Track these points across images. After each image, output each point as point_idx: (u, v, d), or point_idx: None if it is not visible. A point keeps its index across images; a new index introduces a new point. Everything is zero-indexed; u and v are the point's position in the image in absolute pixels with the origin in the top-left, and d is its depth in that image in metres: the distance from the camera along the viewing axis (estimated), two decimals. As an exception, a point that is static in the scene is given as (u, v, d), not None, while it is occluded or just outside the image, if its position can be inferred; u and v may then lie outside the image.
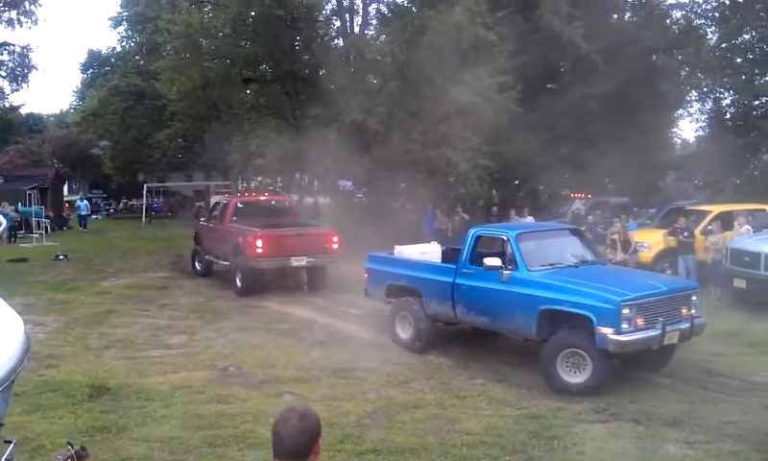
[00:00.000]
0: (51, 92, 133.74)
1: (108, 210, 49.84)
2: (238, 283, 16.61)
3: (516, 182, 27.13)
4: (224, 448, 7.08)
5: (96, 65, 56.08)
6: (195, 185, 51.36)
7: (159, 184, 49.28)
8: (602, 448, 7.07)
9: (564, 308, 9.15)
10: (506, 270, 9.84)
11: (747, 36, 27.24)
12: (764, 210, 17.44)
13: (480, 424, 7.80)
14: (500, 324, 10.24)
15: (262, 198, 21.84)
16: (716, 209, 17.68)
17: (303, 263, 16.56)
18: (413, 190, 23.72)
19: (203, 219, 21.47)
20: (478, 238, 10.84)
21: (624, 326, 8.59)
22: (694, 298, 9.63)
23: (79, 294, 16.59)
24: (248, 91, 34.60)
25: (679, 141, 38.46)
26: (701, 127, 34.14)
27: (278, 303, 15.38)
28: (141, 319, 13.82)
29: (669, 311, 9.06)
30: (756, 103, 26.87)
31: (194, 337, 12.28)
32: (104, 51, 56.07)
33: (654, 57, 27.49)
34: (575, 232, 11.93)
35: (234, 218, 18.16)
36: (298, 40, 28.36)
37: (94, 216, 45.94)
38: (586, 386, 8.85)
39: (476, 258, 10.50)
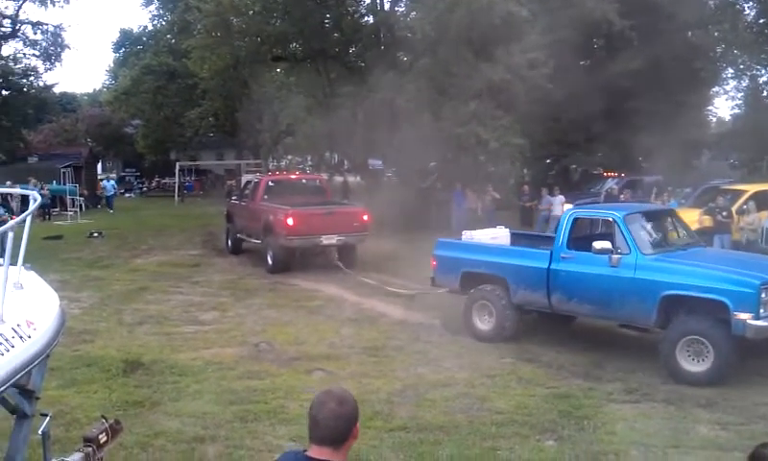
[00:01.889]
0: (84, 71, 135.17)
1: (141, 189, 50.36)
2: (269, 261, 16.72)
3: (548, 161, 26.90)
4: (255, 423, 7.16)
5: (128, 44, 56.44)
6: (226, 164, 51.65)
7: (191, 163, 49.64)
8: (633, 429, 7.03)
9: (694, 294, 8.51)
10: (616, 254, 9.17)
11: (785, 12, 26.61)
12: (801, 190, 17.08)
13: (510, 402, 7.79)
14: (609, 312, 9.52)
15: (293, 176, 21.89)
16: (752, 189, 17.36)
17: (334, 241, 16.61)
18: (443, 169, 23.64)
19: (234, 198, 21.60)
20: (576, 220, 10.15)
21: (762, 310, 8.07)
22: None
23: (113, 271, 16.83)
24: (278, 70, 34.65)
25: (714, 119, 37.82)
26: (737, 105, 33.61)
27: (308, 281, 15.45)
28: (174, 295, 14.00)
29: None
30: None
31: (226, 314, 12.41)
32: (135, 30, 56.46)
33: (689, 33, 26.99)
34: (671, 214, 11.32)
35: (266, 196, 18.24)
36: (327, 18, 28.26)
37: (128, 194, 46.48)
38: (708, 376, 8.30)
39: (574, 242, 9.88)
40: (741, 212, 15.66)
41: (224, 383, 8.46)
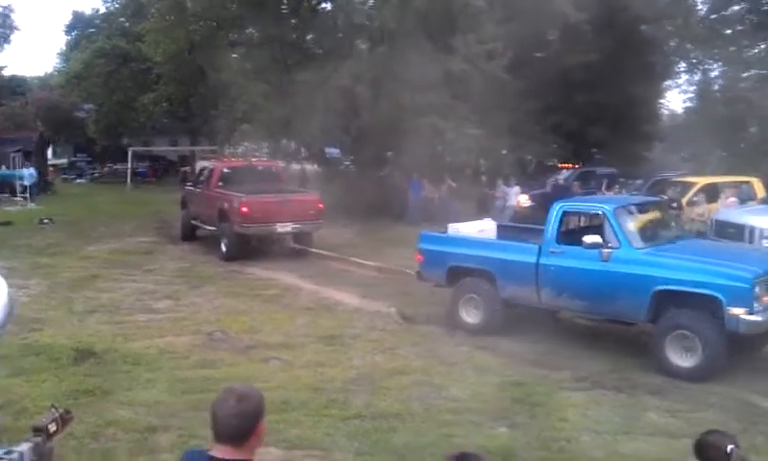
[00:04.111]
0: (35, 54, 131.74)
1: (92, 174, 49.38)
2: (223, 249, 16.59)
3: (504, 152, 27.12)
4: (209, 412, 7.08)
5: (80, 27, 55.18)
6: (181, 150, 50.92)
7: (144, 149, 48.85)
8: (584, 416, 7.15)
9: (686, 288, 8.42)
10: (607, 248, 9.01)
11: (736, 8, 27.23)
12: (750, 183, 17.54)
13: (465, 390, 7.86)
14: (600, 307, 9.34)
15: (248, 163, 21.72)
16: (702, 181, 17.79)
17: (289, 229, 16.64)
18: (400, 158, 23.67)
19: (189, 184, 21.35)
20: (565, 214, 9.99)
21: (756, 305, 7.99)
22: None
23: (63, 258, 16.49)
24: (234, 55, 34.25)
25: (666, 112, 38.51)
26: (689, 98, 34.29)
27: (264, 270, 15.36)
28: (126, 284, 13.77)
29: None
30: (745, 75, 26.91)
31: (180, 302, 12.26)
32: (88, 12, 55.26)
33: (643, 27, 27.43)
34: (660, 205, 11.31)
35: (220, 183, 18.08)
36: (285, 3, 28.01)
37: (79, 180, 45.52)
38: (696, 371, 8.23)
39: (563, 236, 9.76)
40: (691, 204, 16.02)
41: (177, 372, 8.37)
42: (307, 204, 17.11)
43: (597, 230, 9.41)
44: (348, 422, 6.92)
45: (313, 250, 17.15)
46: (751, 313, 8.00)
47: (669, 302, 8.61)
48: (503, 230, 11.72)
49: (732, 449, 2.83)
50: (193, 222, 19.09)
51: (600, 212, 9.58)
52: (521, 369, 8.72)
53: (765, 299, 8.13)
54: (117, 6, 48.83)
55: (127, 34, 43.27)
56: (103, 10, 51.97)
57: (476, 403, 7.44)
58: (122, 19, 46.92)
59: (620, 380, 8.20)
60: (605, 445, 6.48)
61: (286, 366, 8.72)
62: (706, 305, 8.30)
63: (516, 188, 21.62)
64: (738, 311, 8.00)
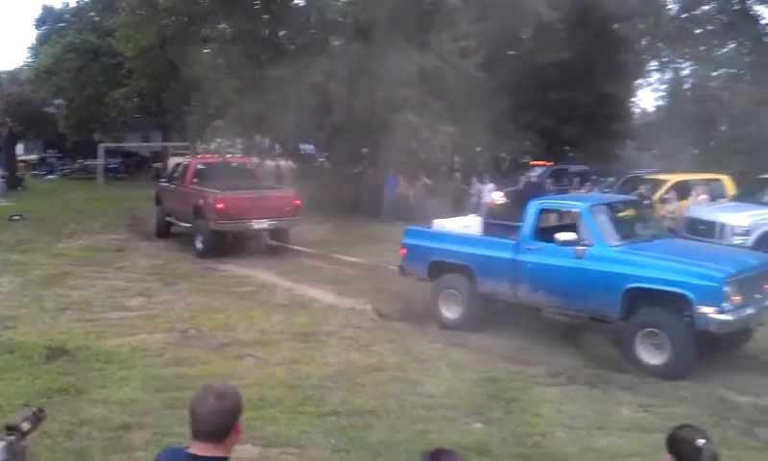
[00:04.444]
0: (4, 49, 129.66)
1: (63, 170, 48.74)
2: (198, 246, 16.48)
3: (478, 149, 27.26)
4: (184, 409, 6.97)
5: (50, 21, 54.39)
6: (152, 146, 50.42)
7: (116, 144, 48.29)
8: (558, 411, 7.21)
9: (657, 287, 8.50)
10: (580, 246, 9.13)
11: (707, 7, 27.57)
12: (720, 181, 17.80)
13: (440, 386, 7.89)
14: (574, 305, 9.46)
15: (224, 160, 21.62)
16: (673, 179, 18.02)
17: (265, 226, 16.61)
18: (375, 155, 23.68)
19: (163, 180, 21.17)
20: (541, 211, 10.09)
21: (725, 304, 8.07)
22: None
23: (34, 255, 16.26)
24: (206, 50, 33.97)
25: (638, 111, 38.93)
26: (660, 97, 34.63)
27: (239, 266, 15.29)
28: (98, 281, 13.62)
29: (760, 287, 8.69)
30: (715, 74, 27.27)
31: (152, 300, 12.15)
32: (58, 6, 54.49)
33: (615, 25, 27.70)
34: (637, 204, 11.39)
35: (195, 180, 17.98)
36: (258, -1, 27.87)
37: (49, 176, 44.94)
38: (665, 368, 8.30)
39: (540, 233, 9.84)
40: (663, 201, 16.22)
41: (151, 370, 8.30)
42: (283, 200, 17.05)
43: (573, 227, 9.52)
44: (323, 418, 6.92)
45: (289, 246, 17.12)
46: (720, 312, 8.08)
47: (641, 300, 8.69)
48: (488, 227, 11.80)
49: (703, 444, 2.88)
50: (167, 219, 18.95)
51: (576, 210, 9.72)
52: (496, 365, 8.78)
53: (735, 298, 8.21)
54: (87, 0, 48.21)
55: (97, 28, 42.69)
56: (73, 4, 51.30)
57: (451, 399, 7.48)
58: (92, 14, 46.29)
59: (594, 376, 8.28)
60: (579, 440, 6.55)
61: (261, 363, 8.69)
62: (676, 304, 8.39)
63: (491, 185, 21.76)
64: (708, 310, 8.09)
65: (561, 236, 9.21)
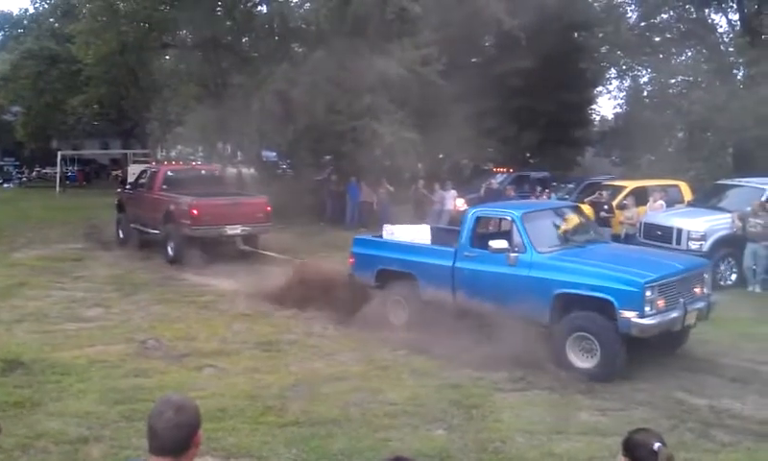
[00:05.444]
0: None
1: (20, 179, 47.82)
2: (170, 252, 16.49)
3: (441, 156, 27.40)
4: (142, 422, 6.86)
5: (7, 28, 53.53)
6: (112, 153, 49.76)
7: (74, 152, 47.55)
8: (518, 416, 7.27)
9: (582, 292, 8.64)
10: (513, 252, 9.26)
11: (665, 16, 28.10)
12: (677, 186, 18.11)
13: (402, 394, 7.89)
14: (509, 310, 9.32)
15: (192, 167, 21.60)
16: (631, 185, 18.29)
17: (238, 231, 16.76)
18: (338, 162, 23.66)
19: (128, 187, 20.93)
20: (478, 219, 10.25)
21: (647, 308, 8.24)
22: (706, 275, 9.36)
23: (-12, 265, 15.93)
24: (167, 57, 33.67)
25: (598, 118, 39.44)
26: (619, 104, 35.17)
27: (200, 276, 15.11)
28: (55, 291, 13.38)
29: (687, 291, 8.82)
30: (673, 81, 27.79)
31: (111, 310, 11.97)
32: (16, 12, 53.64)
33: (575, 34, 28.07)
34: (575, 210, 11.46)
35: (164, 186, 17.87)
36: (219, 5, 27.70)
37: (6, 185, 44.04)
38: (594, 373, 8.40)
39: (477, 240, 9.95)
40: (621, 207, 16.45)
41: (109, 382, 8.16)
42: (256, 206, 17.22)
43: (508, 235, 9.73)
44: (285, 428, 6.87)
45: (260, 251, 17.27)
46: (642, 316, 8.24)
47: (572, 305, 8.85)
48: (438, 234, 11.86)
49: (658, 447, 2.91)
50: (133, 225, 18.72)
51: (509, 217, 9.94)
52: (458, 371, 8.79)
53: (659, 303, 8.39)
54: (46, 6, 47.47)
55: (56, 35, 42.01)
56: (32, 10, 50.45)
57: (413, 407, 7.48)
58: (51, 20, 45.60)
59: (553, 380, 8.35)
60: (539, 445, 6.60)
61: (222, 373, 8.61)
62: (601, 309, 8.54)
63: (453, 192, 21.86)
64: (630, 314, 8.24)
65: (494, 244, 9.37)
